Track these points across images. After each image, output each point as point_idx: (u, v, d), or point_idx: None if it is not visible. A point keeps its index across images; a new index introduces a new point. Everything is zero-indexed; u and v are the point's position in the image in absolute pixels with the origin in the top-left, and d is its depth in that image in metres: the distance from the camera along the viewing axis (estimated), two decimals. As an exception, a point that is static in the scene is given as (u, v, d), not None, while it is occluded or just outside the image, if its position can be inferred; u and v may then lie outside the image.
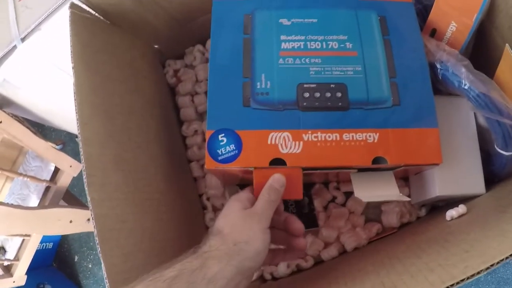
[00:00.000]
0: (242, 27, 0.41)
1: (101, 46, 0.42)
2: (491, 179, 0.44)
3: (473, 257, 0.26)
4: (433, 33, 0.46)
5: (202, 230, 0.48)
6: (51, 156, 0.69)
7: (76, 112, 0.35)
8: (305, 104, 0.38)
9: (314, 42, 0.41)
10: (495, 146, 0.40)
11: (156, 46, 0.52)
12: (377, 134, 0.38)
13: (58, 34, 0.55)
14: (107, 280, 0.31)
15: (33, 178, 0.69)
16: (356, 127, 0.38)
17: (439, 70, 0.41)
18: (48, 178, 0.73)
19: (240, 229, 0.31)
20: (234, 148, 0.37)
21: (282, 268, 0.45)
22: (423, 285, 0.25)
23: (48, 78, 0.61)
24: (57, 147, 0.69)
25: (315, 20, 0.42)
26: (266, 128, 0.37)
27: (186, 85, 0.51)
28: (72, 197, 0.83)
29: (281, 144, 0.37)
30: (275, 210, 0.34)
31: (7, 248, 0.75)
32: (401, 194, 0.38)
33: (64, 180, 0.75)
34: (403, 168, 0.39)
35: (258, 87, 0.39)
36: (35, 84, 0.62)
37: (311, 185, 0.49)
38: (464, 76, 0.39)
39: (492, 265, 0.24)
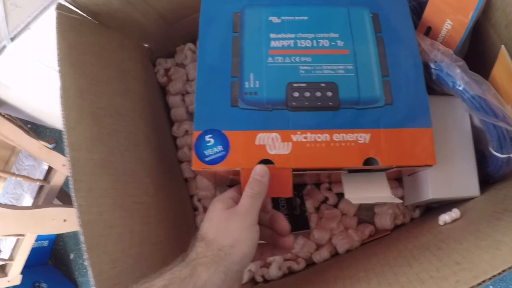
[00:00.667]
0: (231, 25, 0.40)
1: (89, 48, 0.41)
2: (487, 180, 0.43)
3: (465, 271, 0.25)
4: (428, 31, 0.45)
5: (193, 231, 0.47)
6: (43, 156, 0.68)
7: (63, 117, 0.34)
8: (294, 104, 0.37)
9: (304, 40, 0.40)
10: (490, 148, 0.40)
11: (146, 45, 0.51)
12: (369, 134, 0.37)
13: (47, 33, 0.54)
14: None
15: (26, 177, 0.69)
16: (347, 127, 0.37)
17: (433, 70, 0.40)
18: (41, 177, 0.72)
19: (224, 232, 0.30)
20: (222, 149, 0.36)
21: (273, 271, 0.45)
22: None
23: (38, 77, 0.60)
24: (49, 146, 0.69)
25: (305, 18, 0.41)
26: (254, 128, 0.37)
27: (177, 84, 0.51)
28: (66, 196, 0.83)
29: (269, 145, 0.36)
30: (262, 207, 0.33)
31: (1, 247, 0.75)
32: (393, 196, 0.37)
33: (58, 179, 0.74)
34: (396, 169, 0.38)
35: (247, 86, 0.38)
36: (26, 83, 0.61)
37: (303, 186, 0.49)
38: (458, 77, 0.38)
39: (484, 281, 0.23)
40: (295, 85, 0.38)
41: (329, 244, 0.45)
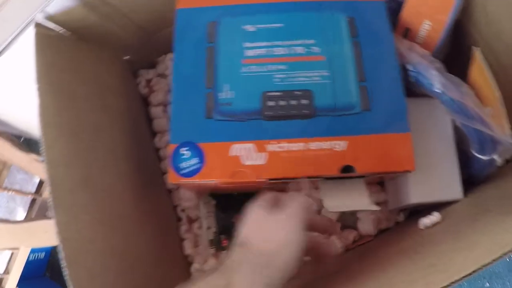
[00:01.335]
0: (206, 36, 0.40)
1: (67, 64, 0.41)
2: (471, 181, 0.42)
3: (438, 272, 0.25)
4: (406, 32, 0.44)
5: (176, 243, 0.47)
6: (34, 169, 0.68)
7: (41, 135, 0.34)
8: (269, 113, 0.37)
9: (279, 48, 0.39)
10: (472, 150, 0.39)
11: (127, 57, 0.51)
12: (345, 141, 0.36)
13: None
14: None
15: (18, 191, 0.69)
16: (323, 135, 0.36)
17: (411, 72, 0.40)
18: (33, 190, 0.72)
19: (267, 234, 0.27)
20: (197, 161, 0.36)
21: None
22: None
23: (25, 91, 0.60)
24: (40, 159, 0.69)
25: (281, 25, 0.40)
26: (229, 139, 0.36)
27: (158, 95, 0.50)
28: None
29: (243, 156, 0.36)
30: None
31: (-4, 261, 0.75)
32: (370, 203, 0.37)
33: (50, 192, 0.74)
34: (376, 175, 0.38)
35: (221, 97, 0.38)
36: (14, 98, 0.61)
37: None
38: (435, 79, 0.37)
39: (455, 281, 0.23)
40: (270, 94, 0.37)
41: (314, 251, 0.45)
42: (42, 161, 0.35)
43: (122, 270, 0.37)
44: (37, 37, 0.38)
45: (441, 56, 0.46)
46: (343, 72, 0.38)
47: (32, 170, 0.69)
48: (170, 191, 0.50)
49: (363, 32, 0.40)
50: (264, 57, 0.39)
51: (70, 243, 0.32)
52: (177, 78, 0.39)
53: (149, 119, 0.52)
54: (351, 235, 0.44)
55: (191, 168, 0.36)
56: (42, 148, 0.34)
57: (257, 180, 0.36)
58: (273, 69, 0.38)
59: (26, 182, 0.73)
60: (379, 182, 0.46)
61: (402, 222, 0.45)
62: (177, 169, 0.36)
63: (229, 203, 0.47)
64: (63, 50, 0.41)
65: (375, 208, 0.37)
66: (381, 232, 0.45)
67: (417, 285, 0.25)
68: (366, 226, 0.44)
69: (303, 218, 0.28)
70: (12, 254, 0.74)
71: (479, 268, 0.23)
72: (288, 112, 0.37)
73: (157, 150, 0.51)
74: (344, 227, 0.46)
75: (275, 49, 0.39)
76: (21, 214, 0.73)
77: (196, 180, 0.36)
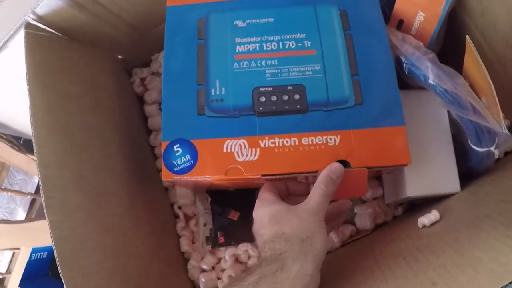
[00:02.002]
0: (196, 33, 0.40)
1: (59, 64, 0.41)
2: (469, 173, 0.42)
3: None
4: (400, 24, 0.44)
5: (172, 240, 0.47)
6: (33, 170, 0.69)
7: (33, 135, 0.34)
8: (261, 109, 0.37)
9: (270, 43, 0.39)
10: (469, 142, 0.38)
11: (120, 56, 0.51)
12: (339, 136, 0.36)
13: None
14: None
15: (17, 192, 0.69)
16: (316, 130, 0.36)
17: (404, 64, 0.39)
18: (33, 190, 0.73)
19: (300, 226, 0.31)
20: (190, 158, 0.36)
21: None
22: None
23: (20, 93, 0.60)
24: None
25: (271, 20, 0.40)
26: (221, 136, 0.36)
27: (152, 93, 0.50)
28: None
29: (237, 152, 0.36)
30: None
31: (-2, 261, 0.76)
32: None
33: (50, 192, 0.74)
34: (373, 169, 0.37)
35: (213, 94, 0.37)
36: (10, 100, 0.61)
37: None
38: (428, 71, 0.37)
39: None
40: (261, 89, 0.37)
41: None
42: (36, 161, 0.35)
43: (117, 268, 0.37)
44: (27, 38, 0.38)
45: (436, 48, 0.46)
46: (335, 66, 0.38)
47: (31, 170, 0.70)
48: (166, 189, 0.50)
49: (356, 25, 0.40)
50: (255, 53, 0.38)
51: (63, 242, 0.33)
52: (167, 75, 0.39)
53: (144, 118, 0.52)
54: (347, 230, 0.44)
55: (184, 165, 0.36)
56: (34, 148, 0.34)
57: (250, 176, 0.35)
58: (265, 64, 0.38)
59: (25, 183, 0.73)
60: (376, 177, 0.46)
61: (400, 216, 0.45)
62: (170, 166, 0.36)
63: (226, 200, 0.47)
64: (54, 50, 0.41)
65: None
66: (378, 226, 0.45)
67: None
68: (363, 221, 0.44)
69: (324, 215, 0.32)
70: (13, 254, 0.75)
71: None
72: (280, 107, 0.36)
73: (153, 148, 0.50)
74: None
75: (266, 44, 0.39)
76: (21, 215, 0.74)
77: (189, 177, 0.36)
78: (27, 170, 0.68)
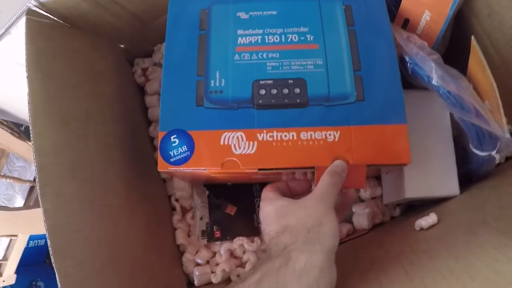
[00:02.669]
0: (198, 23, 0.39)
1: (59, 51, 0.40)
2: (470, 176, 0.41)
3: None
4: (406, 23, 0.43)
5: (168, 232, 0.47)
6: (32, 157, 0.69)
7: (30, 123, 0.34)
8: (260, 101, 0.36)
9: (272, 36, 0.38)
10: (470, 146, 0.38)
11: (122, 46, 0.51)
12: (338, 132, 0.35)
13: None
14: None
15: (16, 179, 0.69)
16: (315, 125, 0.35)
17: (408, 64, 0.39)
18: (31, 178, 0.73)
19: (305, 215, 0.29)
20: (186, 149, 0.36)
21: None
22: None
23: (21, 80, 0.60)
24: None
25: (274, 12, 0.39)
26: (219, 128, 0.36)
27: (154, 84, 0.50)
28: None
29: (234, 145, 0.35)
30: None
31: (-5, 248, 0.76)
32: None
33: (49, 180, 0.74)
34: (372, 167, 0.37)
35: (212, 85, 0.37)
36: (10, 86, 0.61)
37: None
38: (432, 72, 0.36)
39: None
40: (261, 82, 0.37)
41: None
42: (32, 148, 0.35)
43: (111, 259, 0.37)
44: (28, 24, 0.38)
45: (442, 49, 0.45)
46: (338, 60, 0.37)
47: (31, 158, 0.69)
48: (164, 181, 0.49)
49: (360, 21, 0.39)
50: (257, 45, 0.38)
51: (56, 230, 0.33)
52: (167, 66, 0.38)
53: (145, 108, 0.52)
54: (344, 229, 0.44)
55: (180, 156, 0.36)
56: (31, 135, 0.34)
57: (246, 170, 0.35)
58: (266, 57, 0.38)
59: (24, 170, 0.73)
60: (375, 176, 0.45)
61: (398, 217, 0.44)
62: (166, 157, 0.36)
63: (223, 194, 0.46)
64: (56, 37, 0.41)
65: None
66: (376, 226, 0.44)
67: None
68: (361, 220, 0.43)
69: (332, 203, 0.30)
70: (10, 241, 0.75)
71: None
72: (280, 101, 0.36)
73: (152, 139, 0.50)
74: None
75: (268, 37, 0.38)
76: (19, 202, 0.74)
77: (185, 168, 0.35)
78: (27, 158, 0.68)
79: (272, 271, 0.26)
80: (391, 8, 0.44)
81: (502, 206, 0.32)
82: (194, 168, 0.35)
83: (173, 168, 0.36)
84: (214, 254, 0.46)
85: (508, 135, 0.34)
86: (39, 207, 0.67)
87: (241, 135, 0.35)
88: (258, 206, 0.46)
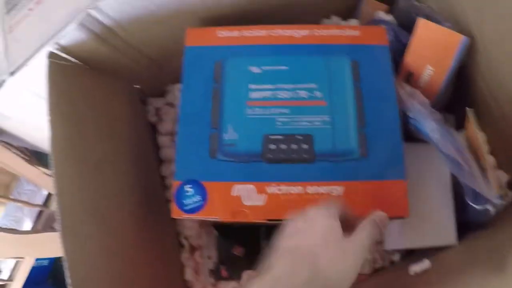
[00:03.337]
0: (213, 76, 0.41)
1: (79, 93, 0.42)
2: (468, 226, 0.43)
3: None
4: (409, 77, 0.45)
5: (176, 267, 0.48)
6: (43, 183, 0.70)
7: (53, 165, 0.35)
8: (270, 156, 0.38)
9: (283, 91, 0.40)
10: (467, 199, 0.40)
11: (136, 86, 0.53)
12: (342, 187, 0.37)
13: (43, 68, 0.57)
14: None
15: (25, 203, 0.71)
16: (321, 179, 0.37)
17: (410, 119, 0.41)
18: (41, 202, 0.74)
19: (334, 263, 0.28)
20: (200, 199, 0.38)
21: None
22: None
23: (35, 109, 0.62)
24: (48, 172, 0.71)
25: (286, 68, 0.42)
26: (231, 180, 0.38)
27: (166, 124, 0.52)
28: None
29: (244, 196, 0.37)
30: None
31: (1, 268, 0.77)
32: None
33: (57, 204, 0.76)
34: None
35: (225, 138, 0.39)
36: (24, 114, 0.63)
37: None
38: (433, 131, 0.38)
39: None
40: (271, 137, 0.39)
41: None
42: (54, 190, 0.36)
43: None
44: (50, 67, 0.39)
45: (445, 100, 0.47)
46: (344, 117, 0.40)
47: (41, 183, 0.71)
48: (174, 219, 0.51)
49: (366, 77, 0.41)
50: (268, 100, 0.40)
51: (77, 270, 0.36)
52: (184, 116, 0.40)
53: (156, 146, 0.54)
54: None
55: (194, 205, 0.38)
56: (53, 177, 0.36)
57: (256, 220, 0.37)
58: (276, 112, 0.40)
59: (34, 194, 0.75)
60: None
61: (397, 262, 0.46)
62: (181, 205, 0.38)
63: (231, 235, 0.48)
64: (76, 79, 0.43)
65: None
66: (376, 271, 0.46)
67: None
68: (362, 266, 0.45)
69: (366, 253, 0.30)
70: (16, 262, 0.76)
71: None
72: (289, 156, 0.38)
73: (163, 178, 0.52)
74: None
75: (279, 92, 0.40)
76: (27, 225, 0.75)
77: (198, 216, 0.37)
78: (37, 183, 0.70)
79: None
80: (396, 59, 0.46)
81: (491, 250, 0.34)
82: (207, 217, 0.37)
83: (186, 216, 0.38)
84: (221, 292, 0.48)
85: (496, 200, 0.36)
86: (47, 231, 0.69)
87: (251, 188, 0.37)
88: (265, 248, 0.48)
